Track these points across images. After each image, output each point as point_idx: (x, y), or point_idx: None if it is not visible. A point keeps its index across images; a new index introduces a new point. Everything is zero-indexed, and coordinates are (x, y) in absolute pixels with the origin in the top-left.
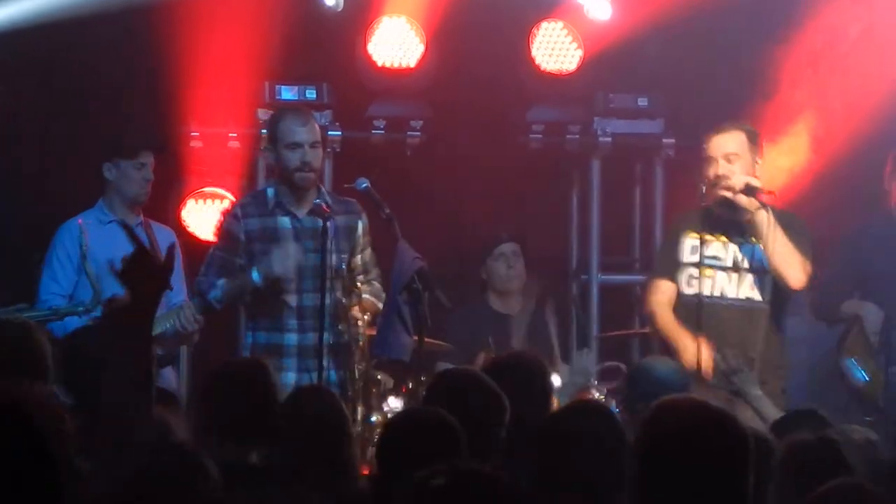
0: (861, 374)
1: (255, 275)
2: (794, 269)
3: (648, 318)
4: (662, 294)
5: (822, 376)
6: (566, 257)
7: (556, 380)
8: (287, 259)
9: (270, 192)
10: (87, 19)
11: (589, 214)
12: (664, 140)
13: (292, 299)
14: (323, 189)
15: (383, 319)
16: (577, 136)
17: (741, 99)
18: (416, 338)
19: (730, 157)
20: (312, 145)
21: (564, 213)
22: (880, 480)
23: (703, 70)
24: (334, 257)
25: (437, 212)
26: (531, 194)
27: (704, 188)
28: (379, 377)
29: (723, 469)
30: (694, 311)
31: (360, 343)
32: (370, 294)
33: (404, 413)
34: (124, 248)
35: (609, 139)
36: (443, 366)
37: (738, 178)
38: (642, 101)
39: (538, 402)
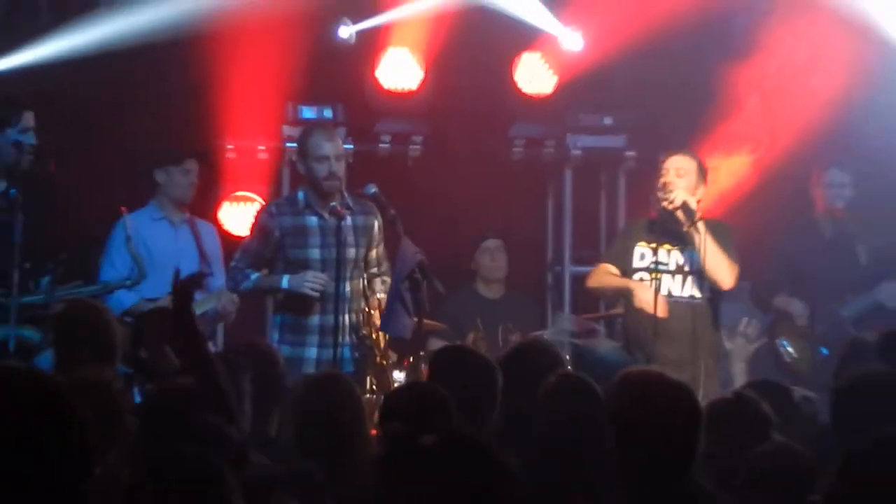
0: (791, 352)
1: (284, 282)
2: (723, 273)
3: (592, 285)
4: (603, 268)
5: (758, 353)
6: (543, 251)
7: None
8: (315, 283)
9: (301, 195)
10: (144, 49)
11: (562, 215)
12: (626, 153)
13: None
14: (346, 193)
15: (388, 304)
16: (553, 150)
17: (696, 117)
18: (415, 319)
19: (680, 171)
20: (337, 158)
21: (541, 215)
22: (814, 434)
23: (661, 92)
24: (353, 251)
25: (433, 213)
26: (513, 198)
27: (654, 197)
28: (386, 353)
29: (680, 428)
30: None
31: (374, 326)
32: (383, 292)
33: (400, 387)
34: (167, 242)
35: (579, 152)
36: (436, 343)
37: (679, 195)
38: (608, 120)
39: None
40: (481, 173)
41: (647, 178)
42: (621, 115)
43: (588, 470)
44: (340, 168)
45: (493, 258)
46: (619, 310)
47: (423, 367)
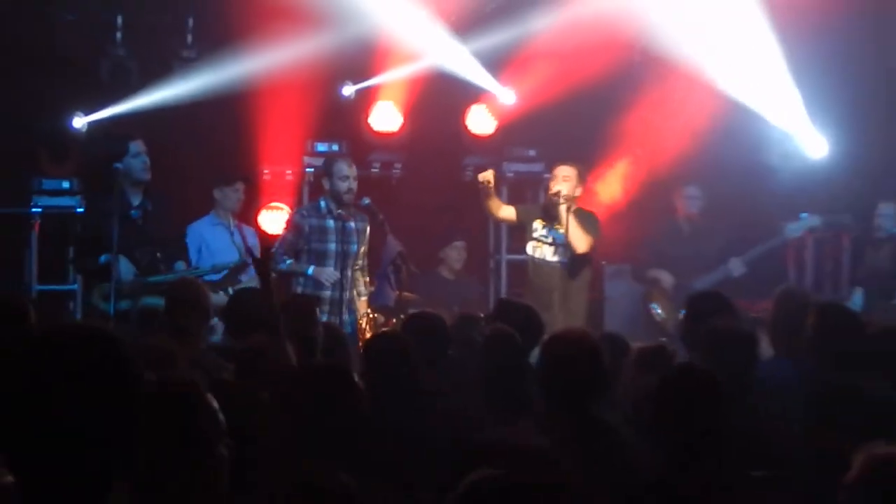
0: (659, 312)
1: (309, 270)
2: (578, 241)
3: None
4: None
5: (634, 315)
6: (486, 245)
7: None
8: (331, 277)
9: (323, 203)
10: (207, 102)
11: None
12: (544, 175)
13: (336, 272)
14: (363, 203)
15: (378, 282)
16: None
17: (595, 149)
18: (397, 293)
19: (565, 176)
20: (354, 179)
21: (485, 219)
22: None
23: (570, 131)
24: (354, 246)
25: (410, 218)
26: (466, 208)
27: (551, 190)
28: (375, 316)
29: (591, 369)
30: (535, 265)
31: (365, 300)
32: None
33: (377, 334)
34: (223, 240)
35: (512, 175)
36: (412, 309)
37: (558, 187)
38: (531, 152)
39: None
40: (443, 190)
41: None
42: (541, 148)
43: (520, 400)
44: (355, 186)
45: (459, 253)
46: None
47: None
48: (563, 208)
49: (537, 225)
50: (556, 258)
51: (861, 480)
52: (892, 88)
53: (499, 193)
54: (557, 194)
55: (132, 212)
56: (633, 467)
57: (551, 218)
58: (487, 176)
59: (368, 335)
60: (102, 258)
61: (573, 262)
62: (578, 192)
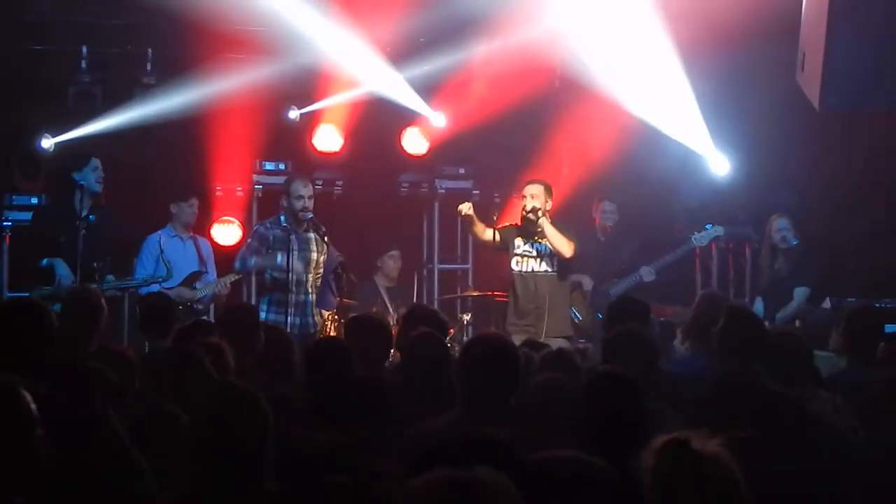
0: (578, 316)
1: (279, 258)
2: (563, 248)
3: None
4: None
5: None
6: (420, 255)
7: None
8: (295, 261)
9: (283, 218)
10: (164, 124)
11: (432, 232)
12: (473, 191)
13: (292, 277)
14: (307, 219)
15: (321, 289)
16: (426, 190)
17: (520, 168)
18: (338, 298)
19: (533, 196)
20: (309, 197)
21: (419, 231)
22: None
23: (496, 151)
24: (314, 255)
25: (350, 231)
26: (401, 221)
27: (521, 212)
28: (338, 319)
29: (505, 368)
30: (521, 277)
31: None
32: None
33: (320, 339)
34: (178, 252)
35: (443, 191)
36: (352, 313)
37: (530, 203)
38: (461, 170)
39: None
40: (380, 205)
41: (486, 207)
42: (470, 166)
43: (446, 392)
44: (311, 204)
45: (395, 262)
46: (472, 292)
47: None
48: (541, 221)
49: (518, 242)
50: (542, 267)
51: (654, 469)
52: (789, 107)
53: (431, 209)
54: (534, 210)
55: (76, 222)
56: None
57: (529, 233)
58: (464, 208)
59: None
60: (44, 262)
61: (561, 269)
62: (549, 205)
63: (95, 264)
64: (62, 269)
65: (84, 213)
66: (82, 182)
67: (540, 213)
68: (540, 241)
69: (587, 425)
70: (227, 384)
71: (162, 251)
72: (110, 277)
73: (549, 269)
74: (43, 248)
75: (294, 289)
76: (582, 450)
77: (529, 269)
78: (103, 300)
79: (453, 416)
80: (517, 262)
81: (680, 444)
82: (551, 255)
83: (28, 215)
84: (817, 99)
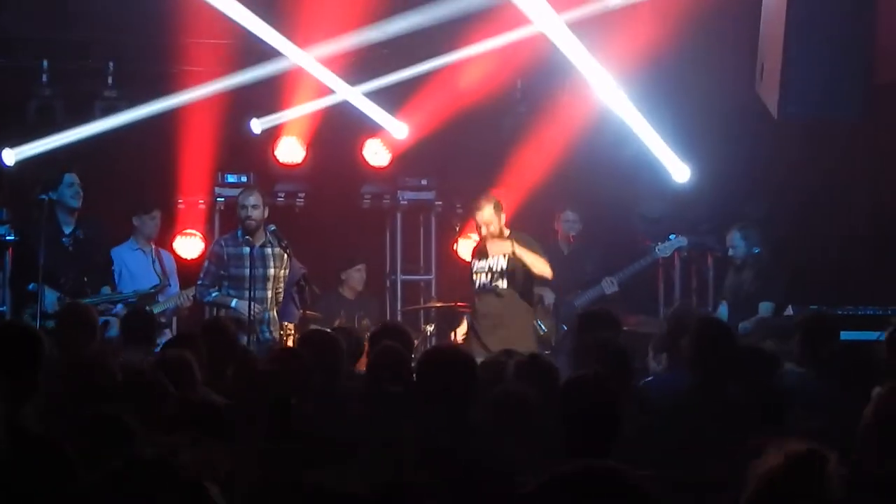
0: (542, 328)
1: (233, 303)
2: (544, 270)
3: None
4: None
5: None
6: (383, 266)
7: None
8: (250, 311)
9: (239, 232)
10: (124, 138)
11: (395, 243)
12: (435, 202)
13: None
14: (268, 231)
15: (283, 301)
16: (389, 201)
17: (482, 179)
18: (301, 311)
19: (489, 224)
20: (254, 207)
21: (382, 242)
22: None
23: (456, 163)
24: (272, 270)
25: (312, 243)
26: (364, 232)
27: (480, 236)
28: (295, 335)
29: (463, 382)
30: (480, 296)
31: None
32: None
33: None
34: (141, 264)
35: (406, 202)
36: (314, 326)
37: (484, 229)
38: (423, 181)
39: None
40: (343, 217)
41: (448, 218)
42: (432, 178)
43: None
44: (256, 213)
45: (360, 275)
46: (435, 303)
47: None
48: (517, 252)
49: (474, 262)
50: (499, 283)
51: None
52: (749, 115)
53: (393, 220)
54: (499, 234)
55: (63, 239)
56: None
57: (483, 253)
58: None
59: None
60: (31, 286)
61: (522, 287)
62: (503, 218)
63: (86, 278)
64: (48, 297)
65: (69, 230)
66: (57, 199)
67: (511, 251)
68: (494, 255)
69: (565, 430)
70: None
71: (154, 261)
72: (105, 290)
73: (504, 285)
74: (29, 271)
75: (253, 307)
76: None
77: (484, 283)
78: (96, 315)
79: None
80: (474, 279)
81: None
82: (503, 272)
83: None
84: (776, 108)
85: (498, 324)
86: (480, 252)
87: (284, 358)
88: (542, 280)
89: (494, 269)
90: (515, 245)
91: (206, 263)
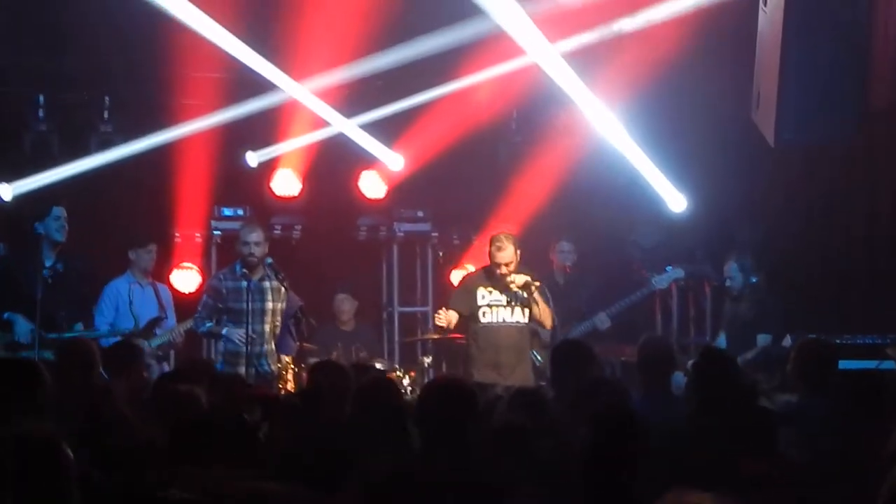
0: (538, 359)
1: (225, 331)
2: (547, 321)
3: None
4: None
5: None
6: (380, 297)
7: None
8: (242, 339)
9: (238, 266)
10: (121, 172)
11: (392, 275)
12: (431, 234)
13: (249, 327)
14: (266, 266)
15: (280, 333)
16: (385, 233)
17: (478, 210)
18: (298, 343)
19: (509, 264)
20: (256, 243)
21: (379, 274)
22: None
23: (452, 195)
24: (270, 304)
25: (309, 275)
26: (361, 265)
27: (499, 272)
28: (294, 368)
29: (465, 414)
30: (490, 330)
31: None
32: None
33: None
34: (138, 298)
35: (402, 234)
36: (312, 359)
37: (518, 278)
38: (419, 213)
39: None
40: (339, 249)
41: (446, 249)
42: (428, 209)
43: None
44: (258, 250)
45: (343, 305)
46: (432, 335)
47: (303, 374)
48: (535, 296)
49: (483, 293)
50: (514, 318)
51: None
52: (745, 143)
53: (390, 252)
54: (526, 286)
55: (44, 272)
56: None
57: (497, 282)
58: (444, 322)
59: (290, 384)
60: (5, 315)
61: (531, 324)
62: (518, 255)
63: (62, 313)
64: (21, 326)
65: (50, 263)
66: (44, 232)
67: (534, 288)
68: (510, 287)
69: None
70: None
71: (131, 302)
72: (78, 326)
73: (521, 321)
74: (7, 300)
75: (242, 342)
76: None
77: (500, 321)
78: (97, 349)
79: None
80: (484, 313)
81: None
82: (525, 305)
83: None
84: (772, 135)
85: (508, 359)
86: (488, 279)
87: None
88: (539, 324)
89: (513, 304)
90: (535, 286)
91: (204, 297)
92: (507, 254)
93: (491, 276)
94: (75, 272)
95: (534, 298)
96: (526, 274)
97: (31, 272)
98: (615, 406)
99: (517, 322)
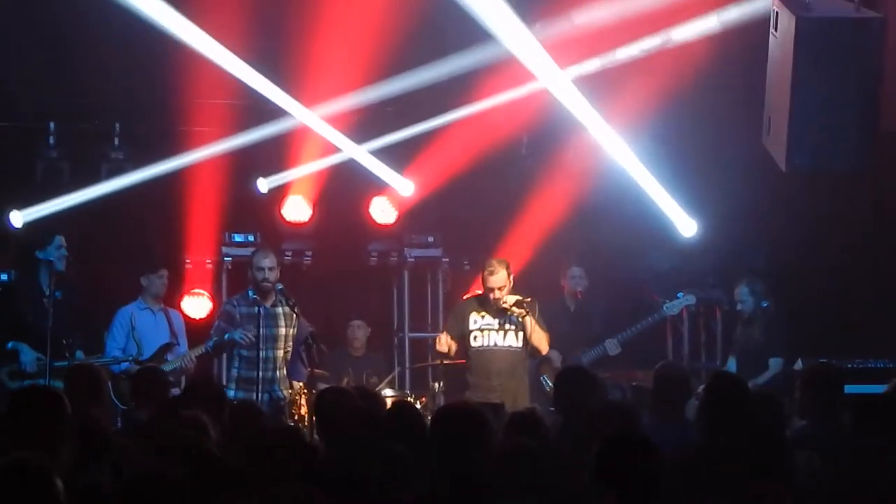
0: (549, 384)
1: (227, 336)
2: (543, 345)
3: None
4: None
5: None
6: (391, 323)
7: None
8: (249, 335)
9: (251, 292)
10: (132, 199)
11: (403, 300)
12: (442, 260)
13: (260, 354)
14: (277, 289)
15: (291, 360)
16: (396, 259)
17: (489, 235)
18: (309, 369)
19: (501, 288)
20: (270, 269)
21: (389, 300)
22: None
23: (462, 220)
24: (283, 329)
25: (320, 301)
26: (371, 290)
27: (492, 297)
28: (306, 391)
29: (474, 437)
30: (481, 354)
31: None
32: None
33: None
34: (149, 324)
35: (413, 260)
36: (322, 385)
37: (509, 298)
38: (430, 238)
39: None
40: (350, 275)
41: (457, 275)
42: (438, 234)
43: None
44: (272, 275)
45: (356, 332)
46: (439, 361)
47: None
48: (527, 319)
49: (475, 317)
50: (506, 343)
51: None
52: (756, 168)
53: (401, 277)
54: (519, 304)
55: (44, 300)
56: None
57: (490, 307)
58: (445, 347)
59: (304, 409)
60: (10, 344)
61: (526, 347)
62: (511, 280)
63: (65, 341)
64: (26, 356)
65: (48, 291)
66: (46, 259)
67: (526, 309)
68: (505, 311)
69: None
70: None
71: (133, 328)
72: (79, 354)
73: (514, 345)
74: (10, 328)
75: (262, 366)
76: None
77: (492, 343)
78: (104, 374)
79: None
80: (476, 337)
81: None
82: (517, 329)
83: None
84: (783, 161)
85: (501, 382)
86: (480, 304)
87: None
88: (534, 350)
89: (506, 328)
90: (525, 301)
91: (217, 321)
92: (500, 277)
93: (484, 301)
94: (73, 300)
95: (525, 319)
96: (532, 303)
97: (36, 300)
98: (626, 429)
99: (510, 346)
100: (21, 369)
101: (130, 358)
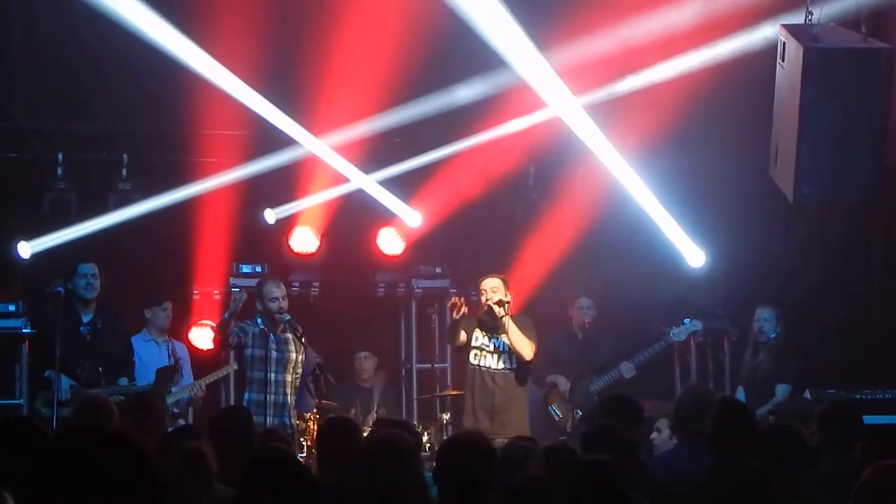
0: (558, 414)
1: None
2: (524, 349)
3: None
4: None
5: (534, 414)
6: (398, 354)
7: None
8: (242, 296)
9: (259, 320)
10: (138, 231)
11: (410, 331)
12: (450, 290)
13: (270, 377)
14: (284, 319)
15: (299, 390)
16: (403, 290)
17: (496, 266)
18: (316, 400)
19: (493, 289)
20: (283, 297)
21: (397, 330)
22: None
23: (469, 251)
24: (293, 355)
25: (327, 331)
26: (379, 321)
27: (484, 305)
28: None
29: (484, 471)
30: (476, 373)
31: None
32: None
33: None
34: (153, 355)
35: (420, 291)
36: (330, 415)
37: (494, 297)
38: (437, 269)
39: None
40: (357, 306)
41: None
42: (446, 265)
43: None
44: (285, 305)
45: (363, 363)
46: (451, 391)
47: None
48: (504, 319)
49: (478, 334)
50: (500, 365)
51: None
52: (764, 199)
53: (408, 308)
54: (500, 303)
55: (81, 328)
56: None
57: (489, 327)
58: (458, 304)
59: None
60: (46, 373)
61: (519, 370)
62: (508, 297)
63: (101, 368)
64: (63, 384)
65: (88, 319)
66: (73, 290)
67: (507, 307)
68: (499, 336)
69: None
70: None
71: (138, 359)
72: (122, 380)
73: (507, 367)
74: (46, 361)
75: (273, 389)
76: None
77: (486, 366)
78: (114, 406)
79: None
80: (475, 355)
81: None
82: (510, 353)
83: (6, 322)
84: (791, 192)
85: (495, 407)
86: (482, 325)
87: None
88: (519, 358)
89: (497, 349)
90: (508, 303)
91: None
92: (493, 281)
93: (484, 322)
94: (113, 327)
95: (504, 319)
96: (522, 319)
97: (66, 330)
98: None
99: (503, 369)
100: (56, 398)
101: (136, 388)
